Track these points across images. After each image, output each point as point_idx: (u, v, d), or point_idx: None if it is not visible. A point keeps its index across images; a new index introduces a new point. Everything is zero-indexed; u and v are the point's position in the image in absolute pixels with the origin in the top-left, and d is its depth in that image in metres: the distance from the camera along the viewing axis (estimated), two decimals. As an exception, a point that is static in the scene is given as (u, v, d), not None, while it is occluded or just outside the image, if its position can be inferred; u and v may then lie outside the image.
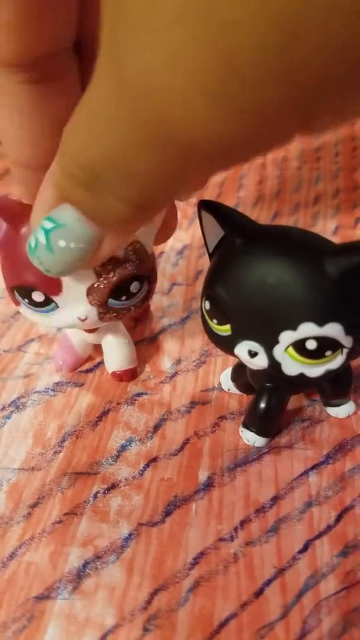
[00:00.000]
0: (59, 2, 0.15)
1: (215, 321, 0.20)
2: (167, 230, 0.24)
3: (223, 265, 0.20)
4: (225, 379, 0.26)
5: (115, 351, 0.26)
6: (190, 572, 0.19)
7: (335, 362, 0.19)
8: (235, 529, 0.20)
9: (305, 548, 0.20)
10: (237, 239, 0.19)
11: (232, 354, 0.20)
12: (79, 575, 0.19)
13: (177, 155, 0.12)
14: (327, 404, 0.24)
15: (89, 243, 0.16)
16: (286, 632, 0.18)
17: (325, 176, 0.38)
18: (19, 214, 0.20)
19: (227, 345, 0.20)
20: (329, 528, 0.21)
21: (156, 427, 0.24)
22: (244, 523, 0.21)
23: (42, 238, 0.16)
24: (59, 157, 0.14)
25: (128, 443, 0.23)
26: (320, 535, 0.20)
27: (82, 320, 0.21)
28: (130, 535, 0.20)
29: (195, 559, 0.20)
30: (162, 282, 0.31)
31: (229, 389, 0.25)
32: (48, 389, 0.26)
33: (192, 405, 0.25)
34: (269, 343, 0.19)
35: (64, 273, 0.17)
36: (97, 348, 0.27)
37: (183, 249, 0.33)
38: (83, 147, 0.13)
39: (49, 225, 0.16)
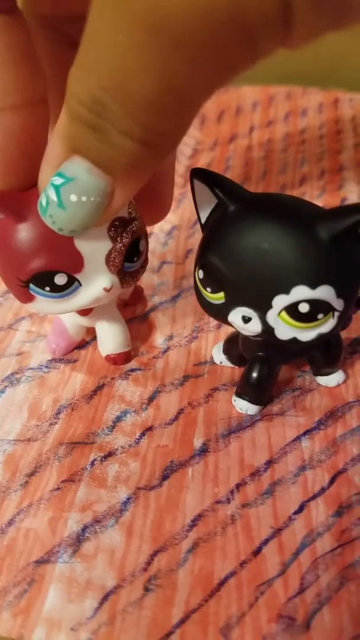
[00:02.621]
0: None
1: (209, 290, 0.20)
2: (162, 208, 0.24)
3: (216, 233, 0.20)
4: (217, 353, 0.26)
5: (110, 334, 0.25)
6: (189, 533, 0.20)
7: (327, 325, 0.20)
8: (232, 492, 0.21)
9: (300, 509, 0.21)
10: (230, 206, 0.20)
11: (226, 321, 0.21)
12: (79, 539, 0.20)
13: (169, 51, 0.12)
14: (317, 373, 0.25)
15: (100, 195, 0.16)
16: (285, 588, 0.19)
17: (310, 158, 0.39)
18: (16, 202, 0.19)
19: (221, 313, 0.21)
20: (323, 490, 0.21)
21: (150, 399, 0.24)
22: (239, 486, 0.21)
23: (52, 195, 0.16)
24: (65, 104, 0.15)
25: (123, 414, 0.24)
26: (314, 496, 0.21)
27: (108, 290, 0.21)
28: (128, 499, 0.21)
29: (193, 521, 0.20)
30: (152, 261, 0.31)
31: (221, 362, 0.26)
32: (42, 365, 0.26)
33: (185, 379, 0.25)
34: (262, 308, 0.19)
35: (78, 230, 0.17)
36: (89, 329, 0.27)
37: (172, 229, 0.34)
38: (86, 82, 0.14)
39: (58, 180, 0.16)
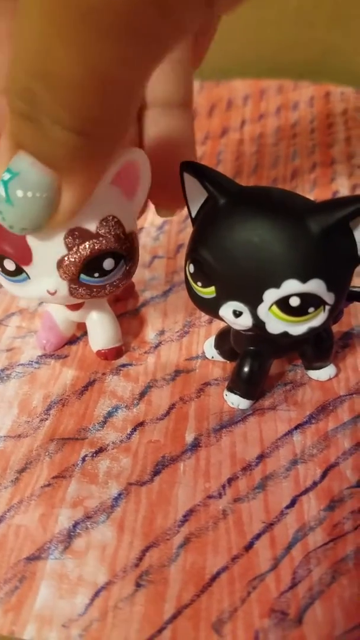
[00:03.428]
0: None
1: (199, 284, 0.20)
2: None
3: (206, 227, 0.20)
4: (208, 347, 0.26)
5: (100, 330, 0.25)
6: (180, 529, 0.20)
7: (318, 319, 0.19)
8: (223, 487, 0.21)
9: (292, 503, 0.20)
10: (220, 199, 0.19)
11: (217, 316, 0.20)
12: (70, 536, 0.20)
13: (83, 28, 0.12)
14: (309, 367, 0.25)
15: (45, 191, 0.16)
16: (277, 583, 0.18)
17: (302, 152, 0.39)
18: None
19: (211, 307, 0.20)
20: (314, 484, 0.21)
21: (142, 395, 0.24)
22: (231, 481, 0.21)
23: (1, 191, 0.16)
24: (7, 100, 0.15)
25: (114, 410, 0.24)
26: (306, 491, 0.21)
27: (52, 294, 0.21)
28: (119, 495, 0.21)
29: (185, 516, 0.20)
30: (143, 256, 0.31)
31: (212, 357, 0.26)
32: (32, 361, 0.26)
33: (177, 374, 0.25)
34: (253, 302, 0.19)
35: (28, 228, 0.17)
36: (80, 324, 0.27)
37: (163, 224, 0.33)
38: (16, 70, 0.14)
39: (6, 176, 0.16)
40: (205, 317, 0.27)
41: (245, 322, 0.20)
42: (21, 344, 0.26)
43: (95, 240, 0.20)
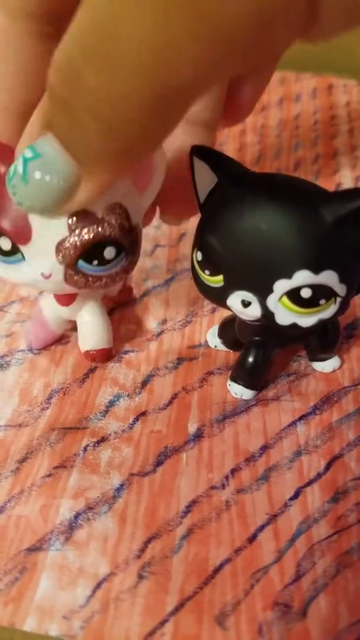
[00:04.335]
0: None
1: (207, 272, 0.20)
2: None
3: (216, 213, 0.19)
4: (211, 336, 0.26)
5: (91, 329, 0.24)
6: (183, 520, 0.19)
7: (329, 311, 0.19)
8: (226, 478, 0.21)
9: (296, 495, 0.20)
10: (232, 186, 0.19)
11: (225, 305, 0.20)
12: (71, 527, 0.19)
13: (163, 11, 0.12)
14: (313, 359, 0.24)
15: (64, 179, 0.15)
16: (281, 575, 0.18)
17: (304, 143, 0.38)
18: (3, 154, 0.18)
19: (219, 297, 0.20)
20: (319, 476, 0.21)
21: (144, 383, 0.24)
22: (234, 471, 0.21)
23: (19, 167, 0.16)
24: (48, 78, 0.14)
25: (116, 399, 0.23)
26: (310, 482, 0.21)
27: (46, 277, 0.20)
28: (121, 485, 0.20)
29: (188, 507, 0.20)
30: (144, 244, 0.30)
31: (215, 346, 0.25)
32: (32, 347, 0.25)
33: (179, 362, 0.25)
34: (262, 292, 0.19)
35: (36, 209, 0.17)
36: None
37: (164, 212, 0.33)
38: (67, 44, 0.13)
39: (29, 154, 0.15)
40: (208, 306, 0.27)
41: (253, 312, 0.19)
42: (20, 329, 0.26)
43: (100, 226, 0.19)
